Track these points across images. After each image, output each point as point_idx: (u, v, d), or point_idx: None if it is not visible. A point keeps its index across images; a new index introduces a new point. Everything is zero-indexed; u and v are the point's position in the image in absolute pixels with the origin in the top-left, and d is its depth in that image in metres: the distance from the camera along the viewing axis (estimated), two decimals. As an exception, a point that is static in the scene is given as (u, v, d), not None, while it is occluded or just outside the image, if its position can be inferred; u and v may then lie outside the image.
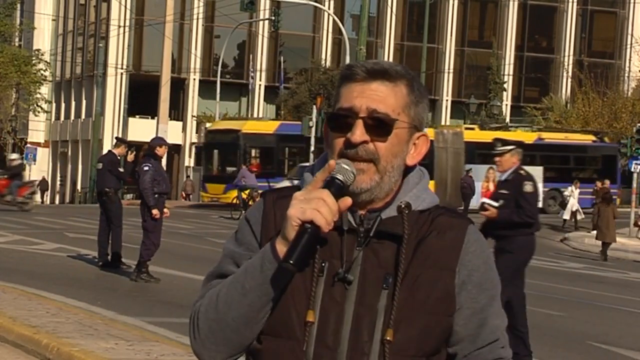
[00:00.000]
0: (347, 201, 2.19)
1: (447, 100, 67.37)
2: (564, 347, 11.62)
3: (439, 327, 2.29)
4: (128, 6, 58.75)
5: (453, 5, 67.37)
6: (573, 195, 36.96)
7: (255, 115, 62.35)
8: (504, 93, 64.99)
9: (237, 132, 41.46)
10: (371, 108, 2.25)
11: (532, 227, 10.46)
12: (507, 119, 63.77)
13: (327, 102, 49.85)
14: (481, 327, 2.33)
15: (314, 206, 2.14)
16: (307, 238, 2.13)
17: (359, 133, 2.24)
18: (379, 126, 2.26)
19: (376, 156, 2.26)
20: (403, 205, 2.30)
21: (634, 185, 34.23)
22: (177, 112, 61.68)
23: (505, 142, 10.62)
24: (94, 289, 14.22)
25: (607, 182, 29.90)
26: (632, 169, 33.96)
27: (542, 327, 12.83)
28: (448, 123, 65.30)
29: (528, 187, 10.25)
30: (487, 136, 43.30)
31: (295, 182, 36.21)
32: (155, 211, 15.16)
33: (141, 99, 57.55)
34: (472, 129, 41.09)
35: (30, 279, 14.73)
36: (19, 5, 64.85)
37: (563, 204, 38.15)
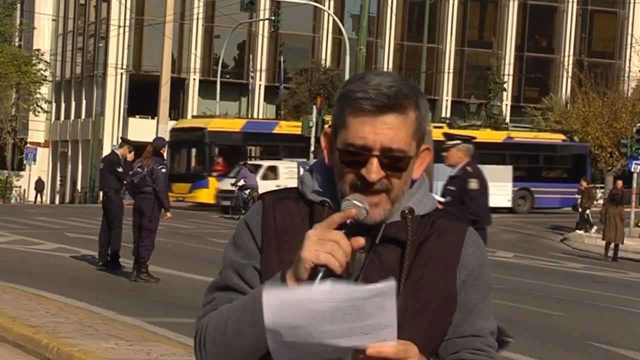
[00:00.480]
0: (360, 241, 2.15)
1: (447, 100, 67.38)
2: (564, 347, 11.62)
3: (442, 327, 2.30)
4: (128, 6, 58.74)
5: (453, 5, 67.37)
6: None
7: (255, 116, 62.37)
8: (504, 93, 64.99)
9: (203, 130, 40.57)
10: (386, 146, 2.23)
11: (477, 224, 10.35)
12: (507, 119, 63.81)
13: (327, 102, 49.87)
14: (465, 318, 2.35)
15: (328, 250, 2.10)
16: (320, 281, 2.09)
17: (375, 171, 2.23)
18: (395, 164, 2.25)
19: (390, 188, 2.26)
20: (407, 211, 2.32)
21: (634, 185, 34.21)
22: (177, 112, 61.65)
23: (451, 137, 10.51)
24: (94, 289, 14.22)
25: (620, 182, 29.46)
26: (632, 169, 33.95)
27: (542, 327, 12.83)
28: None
29: (473, 184, 10.08)
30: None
31: (240, 182, 36.02)
32: (170, 213, 15.34)
33: (141, 99, 57.55)
34: (441, 127, 40.57)
35: (30, 279, 14.73)
36: (19, 5, 64.87)
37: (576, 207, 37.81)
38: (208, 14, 62.84)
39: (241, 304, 2.23)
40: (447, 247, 2.33)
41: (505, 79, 65.34)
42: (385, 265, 2.28)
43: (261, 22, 59.97)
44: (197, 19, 61.87)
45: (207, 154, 40.20)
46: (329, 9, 57.04)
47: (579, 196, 36.39)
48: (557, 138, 46.97)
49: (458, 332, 2.34)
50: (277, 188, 2.55)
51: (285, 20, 47.98)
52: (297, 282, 2.14)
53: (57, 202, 64.74)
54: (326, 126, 2.34)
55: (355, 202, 2.21)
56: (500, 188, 38.31)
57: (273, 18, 45.34)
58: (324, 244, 2.11)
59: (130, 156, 17.64)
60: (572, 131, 51.18)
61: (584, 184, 36.57)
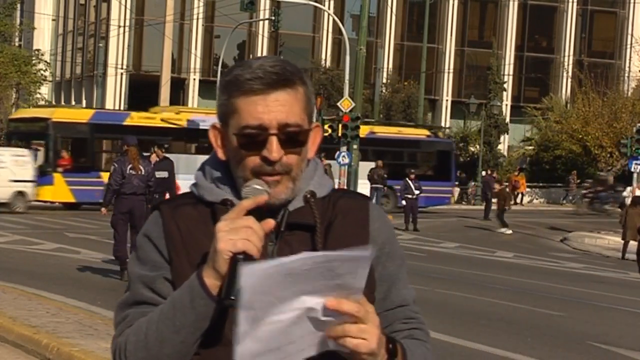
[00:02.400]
0: (270, 223, 2.14)
1: (447, 100, 67.38)
2: (564, 347, 11.62)
3: None
4: (128, 6, 58.73)
5: (453, 5, 67.37)
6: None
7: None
8: (504, 93, 64.97)
9: (47, 120, 36.21)
10: (282, 122, 2.21)
11: None
12: (507, 119, 63.80)
13: (327, 102, 49.90)
14: (389, 290, 2.37)
15: (243, 236, 2.08)
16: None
17: (276, 149, 2.21)
18: (293, 140, 2.24)
19: (290, 167, 2.25)
20: (309, 195, 2.31)
21: (634, 184, 34.19)
22: (177, 112, 61.62)
23: None
24: (94, 289, 14.22)
25: (636, 188, 28.70)
26: (632, 169, 33.95)
27: (542, 327, 12.84)
28: (448, 124, 65.34)
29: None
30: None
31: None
32: None
33: (141, 98, 57.51)
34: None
35: (30, 279, 14.74)
36: (19, 5, 64.79)
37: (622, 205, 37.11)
38: (208, 14, 62.85)
39: (159, 313, 2.19)
40: (354, 226, 2.33)
41: (505, 79, 65.32)
42: (297, 252, 2.21)
43: (261, 22, 59.98)
44: (197, 19, 61.87)
45: (51, 148, 35.95)
46: (329, 9, 57.04)
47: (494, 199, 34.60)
48: (422, 134, 44.64)
49: (386, 305, 2.36)
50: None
51: (285, 20, 47.96)
52: (216, 276, 2.11)
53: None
54: (212, 122, 2.28)
55: (256, 186, 2.20)
56: (362, 186, 36.92)
57: (273, 18, 45.34)
58: (237, 231, 2.09)
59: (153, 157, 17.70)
60: (436, 127, 49.75)
61: (497, 185, 36.17)
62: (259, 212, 2.15)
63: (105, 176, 34.16)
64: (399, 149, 43.31)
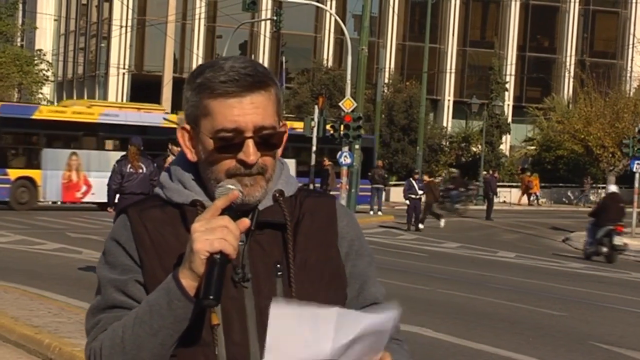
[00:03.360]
0: (245, 222, 2.15)
1: (449, 100, 67.37)
2: (566, 347, 11.61)
3: (339, 303, 2.29)
4: (130, 6, 58.75)
5: (455, 5, 67.36)
6: None
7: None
8: (506, 93, 64.97)
9: None
10: (258, 125, 2.21)
11: None
12: (509, 119, 63.78)
13: (329, 102, 49.87)
14: (362, 288, 2.38)
15: (219, 236, 2.08)
16: (219, 269, 2.08)
17: (253, 152, 2.22)
18: (268, 142, 2.25)
19: (265, 168, 2.26)
20: (277, 194, 2.32)
21: (636, 185, 34.17)
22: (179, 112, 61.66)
23: None
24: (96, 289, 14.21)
25: None
26: (634, 169, 33.92)
27: (544, 327, 12.83)
28: (450, 124, 65.32)
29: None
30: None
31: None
32: None
33: (143, 99, 57.50)
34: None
35: (32, 279, 14.74)
36: (21, 5, 64.85)
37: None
38: (210, 14, 62.87)
39: (134, 317, 2.17)
40: (322, 223, 2.35)
41: (507, 79, 65.32)
42: (268, 252, 2.27)
43: (263, 22, 59.99)
44: (199, 19, 61.89)
45: None
46: (330, 9, 57.04)
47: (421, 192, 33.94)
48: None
49: (360, 303, 2.37)
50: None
51: (287, 20, 47.98)
52: (193, 277, 2.10)
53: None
54: (177, 119, 2.23)
55: (229, 186, 2.20)
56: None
57: (275, 18, 45.36)
58: (213, 231, 2.08)
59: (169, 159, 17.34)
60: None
61: (426, 177, 35.93)
62: (233, 212, 2.15)
63: (12, 173, 33.39)
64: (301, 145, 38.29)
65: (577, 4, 68.97)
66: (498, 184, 49.64)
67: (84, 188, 34.55)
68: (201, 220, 2.11)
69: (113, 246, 2.29)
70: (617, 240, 24.87)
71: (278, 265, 2.26)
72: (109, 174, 15.85)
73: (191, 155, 2.30)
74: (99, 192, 32.55)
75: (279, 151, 2.32)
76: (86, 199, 34.84)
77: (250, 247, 2.27)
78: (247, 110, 2.21)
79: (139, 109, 37.61)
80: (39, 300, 11.83)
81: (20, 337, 9.56)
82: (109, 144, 35.56)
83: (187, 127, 2.30)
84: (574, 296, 16.95)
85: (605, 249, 24.95)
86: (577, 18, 69.32)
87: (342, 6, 64.18)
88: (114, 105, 39.23)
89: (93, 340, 2.24)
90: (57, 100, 68.98)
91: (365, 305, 2.38)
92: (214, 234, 2.08)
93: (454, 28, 67.50)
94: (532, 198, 56.36)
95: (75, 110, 35.31)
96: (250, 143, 2.21)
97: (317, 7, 53.86)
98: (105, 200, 34.34)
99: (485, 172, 49.69)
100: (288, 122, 2.36)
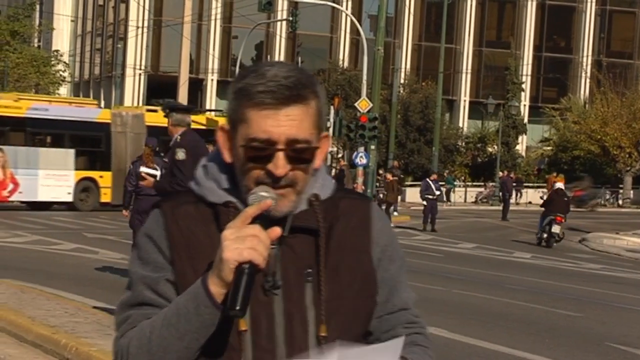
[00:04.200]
0: (276, 231, 2.14)
1: (464, 100, 67.26)
2: (582, 348, 11.58)
3: (368, 309, 2.29)
4: (146, 7, 58.88)
5: (471, 5, 67.25)
6: None
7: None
8: (522, 93, 64.82)
9: None
10: (291, 138, 2.19)
11: None
12: (525, 120, 63.61)
13: (345, 103, 49.86)
14: (391, 293, 2.35)
15: (249, 245, 2.07)
16: (247, 279, 2.06)
17: (282, 165, 2.19)
18: (300, 156, 2.22)
19: (296, 182, 2.23)
20: (313, 198, 2.29)
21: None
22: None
23: (172, 108, 10.57)
24: (112, 289, 14.24)
25: None
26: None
27: (560, 328, 12.80)
28: (466, 124, 65.21)
29: (180, 154, 10.10)
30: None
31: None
32: None
33: (159, 99, 57.70)
34: (155, 111, 32.86)
35: (49, 279, 14.79)
36: (38, 6, 65.09)
37: None
38: (226, 14, 62.95)
39: (162, 318, 2.17)
40: (357, 228, 2.32)
41: (524, 79, 65.17)
42: (301, 256, 2.25)
43: (279, 23, 60.02)
44: (215, 19, 61.98)
45: None
46: (346, 9, 57.03)
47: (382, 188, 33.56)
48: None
49: (387, 309, 2.35)
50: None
51: (302, 20, 47.99)
52: (222, 285, 2.09)
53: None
54: (220, 122, 2.23)
55: (262, 194, 2.17)
56: (59, 178, 32.61)
57: (291, 19, 45.38)
58: (243, 240, 2.07)
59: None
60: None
61: (389, 176, 35.53)
62: (265, 220, 2.13)
63: None
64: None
65: (593, 4, 68.74)
66: (525, 184, 49.76)
67: (10, 186, 32.33)
68: (232, 228, 2.10)
69: (145, 242, 2.28)
70: (555, 229, 27.92)
71: (309, 270, 2.24)
72: (38, 171, 15.57)
73: (227, 157, 2.29)
74: (27, 190, 32.33)
75: (318, 160, 2.29)
76: (13, 198, 32.76)
77: (282, 251, 2.24)
78: (282, 122, 2.19)
79: (70, 102, 36.76)
80: (55, 300, 11.86)
81: (37, 337, 9.60)
82: (38, 139, 33.71)
83: (226, 127, 2.29)
84: (590, 297, 16.89)
85: (545, 235, 28.15)
86: (593, 18, 69.09)
87: (358, 6, 64.16)
88: (44, 99, 36.82)
89: (122, 336, 2.24)
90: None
91: (394, 311, 2.36)
92: (244, 243, 2.07)
93: (470, 28, 67.39)
94: None
95: (1, 104, 33.03)
96: (280, 155, 2.19)
97: (333, 7, 53.86)
98: (33, 199, 32.57)
99: (501, 173, 49.60)
100: None
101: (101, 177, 33.82)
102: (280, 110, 2.19)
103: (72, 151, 33.62)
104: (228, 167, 2.29)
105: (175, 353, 2.15)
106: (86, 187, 33.93)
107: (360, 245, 2.31)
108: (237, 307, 2.04)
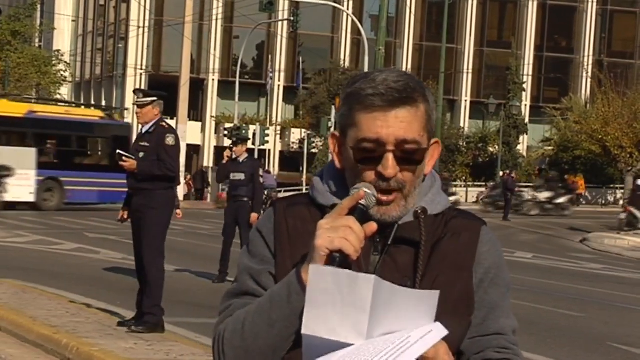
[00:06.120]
0: (373, 226, 2.16)
1: (466, 100, 67.26)
2: (584, 348, 11.58)
3: (461, 328, 2.30)
4: (147, 7, 58.89)
5: (472, 5, 67.25)
6: None
7: (274, 117, 62.41)
8: (523, 93, 64.81)
9: None
10: (400, 139, 2.22)
11: (173, 182, 10.40)
12: (527, 120, 63.59)
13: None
14: (487, 317, 2.36)
15: (341, 235, 2.10)
16: (337, 267, 2.07)
17: (391, 166, 2.22)
18: (409, 157, 2.25)
19: (404, 184, 2.26)
20: (420, 211, 2.31)
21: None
22: (196, 112, 61.78)
23: (146, 94, 10.69)
24: (114, 289, 14.25)
25: None
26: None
27: (563, 328, 12.79)
28: (467, 124, 65.22)
29: (170, 139, 10.32)
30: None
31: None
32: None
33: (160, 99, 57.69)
34: None
35: (50, 279, 14.78)
36: (39, 6, 65.10)
37: None
38: (227, 14, 62.95)
39: (257, 306, 2.23)
40: (462, 246, 2.33)
41: (525, 79, 65.16)
42: (400, 267, 2.28)
43: (280, 23, 60.02)
44: (216, 19, 61.98)
45: None
46: (347, 9, 57.02)
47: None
48: (94, 115, 37.62)
49: (481, 331, 2.35)
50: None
51: (304, 20, 48.00)
52: None
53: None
54: (331, 129, 2.28)
55: (364, 189, 2.20)
56: (21, 177, 31.06)
57: (292, 18, 45.39)
58: (336, 229, 2.11)
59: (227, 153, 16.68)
60: (110, 107, 45.85)
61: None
62: (364, 215, 2.17)
63: None
64: (65, 133, 35.59)
65: (594, 4, 68.74)
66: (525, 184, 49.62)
67: None
68: (328, 217, 2.15)
69: (256, 236, 2.37)
70: None
71: (408, 283, 2.25)
72: None
73: (338, 163, 2.34)
74: None
75: (428, 166, 2.32)
76: None
77: (384, 260, 2.28)
78: (391, 123, 2.22)
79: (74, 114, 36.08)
80: (57, 300, 11.87)
81: (38, 336, 9.59)
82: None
83: (337, 133, 2.34)
84: (592, 297, 16.89)
85: None
86: (594, 18, 69.09)
87: (359, 6, 64.16)
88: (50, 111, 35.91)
89: (221, 322, 2.31)
90: (75, 100, 69.23)
91: (488, 334, 2.36)
92: (337, 233, 2.10)
93: (471, 28, 67.39)
94: (580, 199, 55.82)
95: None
96: (390, 156, 2.22)
97: (334, 7, 53.87)
98: None
99: (502, 173, 49.59)
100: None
101: None
102: (389, 112, 2.23)
103: None
104: (340, 173, 2.34)
105: (265, 340, 2.20)
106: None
107: (462, 263, 2.32)
108: None
